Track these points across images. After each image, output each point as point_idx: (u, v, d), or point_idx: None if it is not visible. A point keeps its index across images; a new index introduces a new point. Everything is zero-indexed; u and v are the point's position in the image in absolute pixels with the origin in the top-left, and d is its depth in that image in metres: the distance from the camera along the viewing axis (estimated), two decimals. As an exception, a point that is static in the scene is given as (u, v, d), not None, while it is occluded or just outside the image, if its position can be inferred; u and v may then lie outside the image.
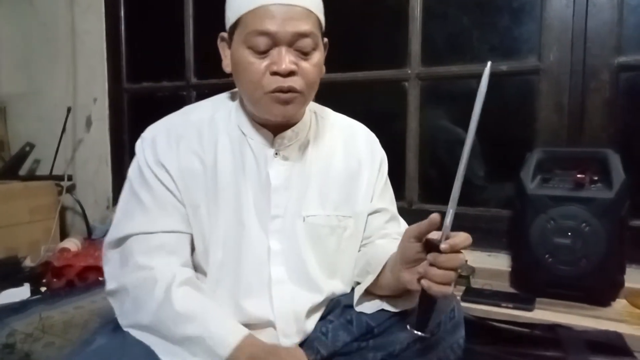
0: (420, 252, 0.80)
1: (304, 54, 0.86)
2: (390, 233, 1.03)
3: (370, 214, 1.03)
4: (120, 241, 0.90)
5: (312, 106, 1.04)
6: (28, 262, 2.03)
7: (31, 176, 2.51)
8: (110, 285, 0.89)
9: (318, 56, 0.89)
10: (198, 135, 0.94)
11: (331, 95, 1.95)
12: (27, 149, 2.50)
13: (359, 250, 1.03)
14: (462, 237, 0.78)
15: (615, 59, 1.47)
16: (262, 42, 0.83)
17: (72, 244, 2.17)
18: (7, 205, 2.11)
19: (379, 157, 1.05)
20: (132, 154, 0.96)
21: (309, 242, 0.96)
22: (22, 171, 2.54)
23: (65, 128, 2.37)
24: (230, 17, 0.88)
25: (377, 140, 1.08)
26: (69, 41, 2.45)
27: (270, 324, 0.92)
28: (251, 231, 0.93)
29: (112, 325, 0.90)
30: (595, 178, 1.34)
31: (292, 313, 0.93)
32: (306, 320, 0.95)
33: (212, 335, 0.81)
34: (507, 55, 1.64)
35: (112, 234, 0.92)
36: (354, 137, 1.04)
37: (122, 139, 2.43)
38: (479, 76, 1.78)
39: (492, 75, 1.69)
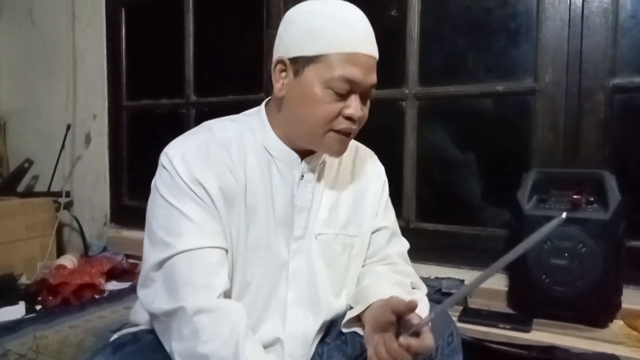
0: (393, 324, 0.81)
1: (365, 101, 0.91)
2: (391, 254, 1.05)
3: (373, 232, 1.05)
4: (166, 260, 0.85)
5: None
6: (24, 280, 2.02)
7: (29, 192, 2.51)
8: (164, 304, 0.84)
9: (369, 102, 0.94)
10: (227, 153, 0.92)
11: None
12: (26, 165, 2.51)
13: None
14: (424, 346, 0.76)
15: (610, 81, 1.48)
16: (344, 87, 0.86)
17: (69, 260, 2.16)
18: (4, 221, 2.11)
19: (383, 178, 1.09)
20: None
21: (323, 260, 0.97)
22: (21, 187, 2.55)
23: (64, 145, 2.38)
24: (308, 50, 0.87)
25: (381, 165, 1.12)
26: (69, 58, 2.48)
27: (278, 342, 0.93)
28: (276, 253, 0.93)
29: (110, 348, 0.89)
30: (592, 199, 1.35)
31: (301, 335, 0.94)
32: (312, 342, 0.96)
33: None
34: (503, 76, 1.65)
35: (157, 256, 0.86)
36: (362, 159, 1.08)
37: (121, 156, 2.44)
38: (475, 96, 1.81)
39: (489, 95, 1.71)
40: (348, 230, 1.00)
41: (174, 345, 0.82)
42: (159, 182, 0.89)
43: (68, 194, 2.43)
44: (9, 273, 1.96)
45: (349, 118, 0.88)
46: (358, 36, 0.87)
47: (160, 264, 0.85)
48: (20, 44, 2.67)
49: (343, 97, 0.87)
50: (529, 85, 1.59)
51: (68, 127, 2.39)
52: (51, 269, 2.08)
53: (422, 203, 1.79)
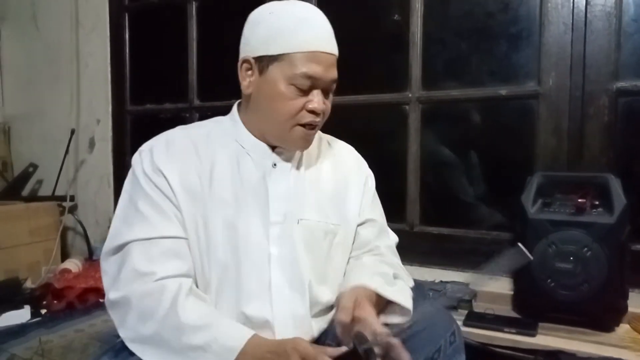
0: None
1: (327, 95, 0.97)
2: (380, 246, 1.10)
3: (360, 224, 1.09)
4: (119, 249, 0.91)
5: None
6: (28, 284, 2.03)
7: (33, 197, 2.52)
8: (111, 295, 0.89)
9: (331, 95, 1.00)
10: (195, 147, 0.99)
11: (332, 118, 1.98)
12: (31, 169, 2.52)
13: (348, 261, 1.09)
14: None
15: (614, 84, 1.48)
16: (306, 83, 0.92)
17: (73, 264, 2.17)
18: (9, 226, 2.12)
19: (364, 174, 1.14)
20: (129, 172, 0.97)
21: (304, 245, 0.99)
22: (25, 191, 2.56)
23: (68, 149, 2.39)
24: (272, 49, 0.93)
25: (362, 159, 1.18)
26: (73, 63, 2.49)
27: (268, 325, 0.94)
28: (252, 238, 0.96)
29: (112, 352, 0.90)
30: (596, 202, 1.35)
31: (290, 316, 0.95)
32: (302, 323, 0.97)
33: (217, 341, 0.82)
34: (507, 80, 1.65)
35: (110, 243, 0.93)
36: (342, 155, 1.14)
37: (125, 160, 2.44)
38: (478, 100, 1.81)
39: (492, 98, 1.71)
40: (330, 218, 1.04)
41: (123, 333, 0.87)
42: (126, 180, 0.98)
43: (72, 198, 2.44)
44: (14, 277, 1.96)
45: (312, 111, 0.94)
46: (318, 36, 0.93)
47: (111, 252, 0.92)
48: (24, 50, 2.68)
49: (305, 92, 0.94)
50: (532, 89, 1.59)
51: (72, 132, 2.40)
52: (56, 273, 2.08)
53: (425, 207, 1.79)
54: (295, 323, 0.95)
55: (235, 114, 1.05)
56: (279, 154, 1.01)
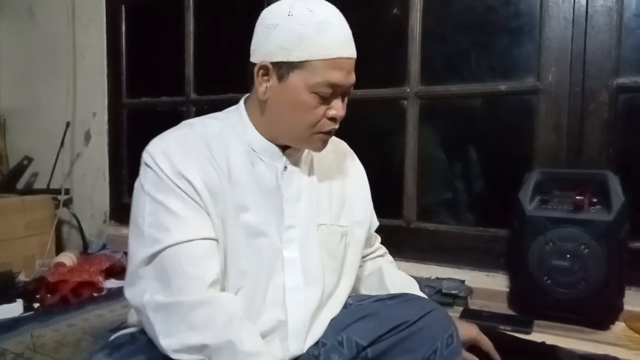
0: None
1: (344, 98, 0.94)
2: (376, 242, 1.17)
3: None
4: (156, 255, 0.85)
5: None
6: (22, 277, 2.01)
7: (28, 190, 2.51)
8: (157, 297, 0.84)
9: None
10: (208, 148, 0.93)
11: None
12: (25, 162, 2.50)
13: (365, 263, 1.14)
14: None
15: (614, 80, 1.47)
16: (328, 91, 0.89)
17: (68, 258, 2.15)
18: (3, 219, 2.11)
19: (361, 169, 1.14)
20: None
21: (322, 250, 0.99)
22: (20, 185, 2.54)
23: (64, 142, 2.37)
24: (292, 56, 0.88)
25: (354, 153, 1.17)
26: (70, 56, 2.47)
27: (283, 327, 0.93)
28: (270, 240, 0.94)
29: (107, 349, 0.88)
30: (595, 200, 1.33)
31: (305, 317, 0.94)
32: (316, 324, 0.96)
33: None
34: (506, 75, 1.64)
35: (146, 251, 0.86)
36: (343, 152, 1.13)
37: (121, 154, 2.42)
38: (477, 96, 1.80)
39: (491, 94, 1.70)
40: (340, 220, 1.04)
41: (166, 342, 0.82)
42: (144, 179, 0.90)
43: (67, 192, 2.42)
44: (7, 271, 1.95)
45: (332, 119, 0.91)
46: (340, 41, 0.89)
47: (150, 259, 0.86)
48: (20, 42, 2.66)
49: (326, 100, 0.90)
50: (532, 84, 1.58)
51: (67, 125, 2.38)
52: (50, 267, 2.07)
53: (423, 203, 1.78)
54: (309, 325, 0.95)
55: (244, 113, 0.99)
56: (289, 156, 0.98)
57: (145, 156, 0.91)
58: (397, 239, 1.23)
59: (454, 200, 1.76)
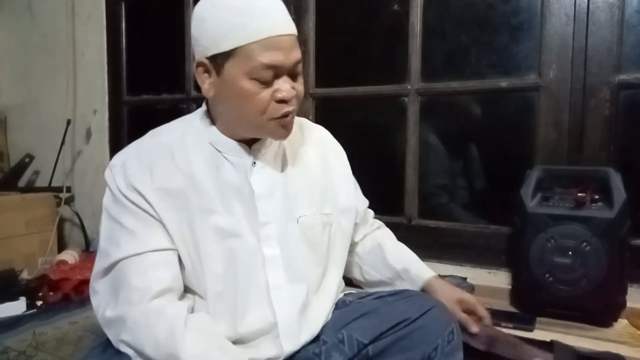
0: None
1: (294, 77, 0.90)
2: (368, 217, 1.20)
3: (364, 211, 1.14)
4: (109, 269, 0.88)
5: None
6: (24, 275, 2.02)
7: (30, 188, 2.51)
8: (107, 313, 0.86)
9: (301, 75, 0.93)
10: (170, 155, 0.93)
11: (330, 110, 1.97)
12: (27, 160, 2.50)
13: (364, 240, 1.17)
14: None
15: (616, 77, 1.46)
16: (268, 73, 0.85)
17: (70, 256, 2.16)
18: (5, 217, 2.11)
19: (342, 153, 1.13)
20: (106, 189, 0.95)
21: (304, 242, 0.98)
22: (21, 182, 2.54)
23: (64, 140, 2.37)
24: (222, 46, 0.85)
25: (334, 138, 1.15)
26: (70, 53, 2.46)
27: (274, 327, 0.92)
28: (244, 240, 0.93)
29: (102, 346, 0.89)
30: (596, 197, 1.33)
31: (294, 313, 0.93)
32: (307, 318, 0.96)
33: None
34: (507, 72, 1.63)
35: (100, 265, 0.89)
36: (320, 139, 1.11)
37: (121, 151, 2.42)
38: (478, 92, 1.79)
39: (492, 91, 1.69)
40: (324, 209, 1.02)
41: (123, 349, 0.83)
42: (105, 198, 0.93)
43: (69, 189, 2.42)
44: (9, 269, 1.95)
45: (281, 101, 0.87)
46: (270, 19, 0.85)
47: (103, 273, 0.89)
48: (20, 39, 2.65)
49: (269, 83, 0.86)
50: (533, 81, 1.57)
51: (68, 122, 2.38)
52: (52, 265, 2.07)
53: (424, 200, 1.78)
54: (300, 320, 0.94)
55: (205, 114, 0.98)
56: (257, 150, 0.96)
57: (106, 172, 0.94)
58: (398, 236, 1.22)
59: (455, 197, 1.76)
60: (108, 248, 0.89)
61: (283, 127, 0.91)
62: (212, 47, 0.86)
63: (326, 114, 1.93)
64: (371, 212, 1.22)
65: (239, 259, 0.92)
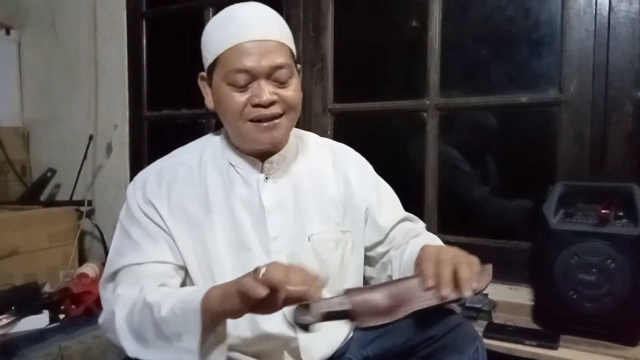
0: None
1: (282, 83, 0.93)
2: (420, 232, 1.09)
3: (396, 224, 1.08)
4: (113, 276, 0.93)
5: (296, 132, 1.09)
6: (47, 288, 2.04)
7: (52, 201, 2.55)
8: (101, 318, 0.92)
9: (295, 82, 0.96)
10: (189, 173, 0.99)
11: (349, 125, 1.98)
12: (49, 174, 2.54)
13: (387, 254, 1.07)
14: None
15: (638, 91, 1.45)
16: (241, 78, 0.90)
17: (91, 269, 2.18)
18: (28, 231, 2.14)
19: (367, 171, 1.13)
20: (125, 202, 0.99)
21: (314, 260, 0.98)
22: (43, 196, 2.58)
23: (86, 154, 2.41)
24: (208, 57, 0.94)
25: (364, 160, 1.15)
26: (91, 69, 2.51)
27: (293, 340, 0.94)
28: (254, 254, 0.95)
29: None
30: (620, 213, 1.32)
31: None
32: (327, 332, 0.95)
33: (182, 300, 0.79)
34: (527, 87, 1.63)
35: (106, 272, 0.95)
36: (341, 157, 1.11)
37: (142, 166, 2.44)
38: (498, 107, 1.78)
39: (512, 106, 1.68)
40: (341, 225, 1.03)
41: (124, 346, 0.85)
42: (122, 211, 1.00)
43: (90, 203, 2.46)
44: (32, 282, 1.98)
45: (257, 105, 0.90)
46: (242, 26, 0.90)
47: (106, 280, 0.95)
48: (43, 56, 2.71)
49: (245, 87, 0.90)
50: (554, 96, 1.57)
51: (90, 138, 2.42)
52: (73, 278, 2.10)
53: (444, 215, 1.77)
54: (318, 334, 0.94)
55: (224, 129, 1.04)
56: (269, 164, 0.99)
57: (129, 186, 1.00)
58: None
59: (476, 213, 1.75)
60: (113, 258, 0.95)
61: (263, 131, 0.93)
62: (206, 60, 0.95)
63: (345, 130, 1.94)
64: (410, 221, 1.13)
65: (249, 269, 0.93)
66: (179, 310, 0.77)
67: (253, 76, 0.90)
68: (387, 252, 1.08)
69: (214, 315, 0.74)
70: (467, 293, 0.78)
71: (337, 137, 1.77)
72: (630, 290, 1.26)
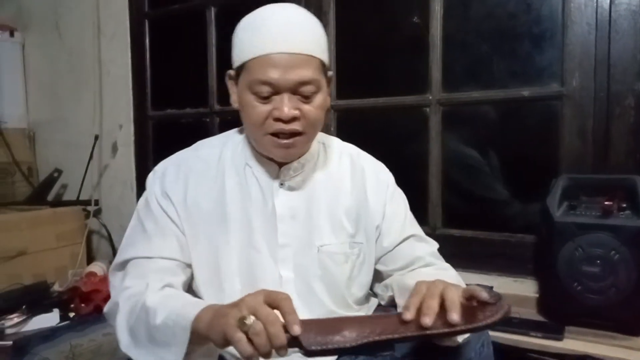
0: None
1: (306, 98, 0.91)
2: (423, 256, 1.06)
3: (399, 243, 1.05)
4: (122, 265, 0.95)
5: (320, 137, 1.07)
6: (56, 287, 2.07)
7: (59, 201, 2.57)
8: (106, 307, 0.95)
9: (320, 98, 0.93)
10: (207, 169, 0.99)
11: (352, 121, 2.00)
12: (55, 174, 2.57)
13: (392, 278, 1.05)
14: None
15: (640, 84, 1.46)
16: (264, 89, 0.88)
17: (99, 268, 2.21)
18: (36, 231, 2.17)
19: (384, 184, 1.08)
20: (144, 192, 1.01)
21: (321, 272, 0.98)
22: (50, 196, 2.61)
23: (92, 154, 2.43)
24: (236, 60, 0.93)
25: (384, 169, 1.12)
26: (95, 70, 2.53)
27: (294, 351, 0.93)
28: (262, 259, 0.96)
29: None
30: (624, 205, 1.33)
31: None
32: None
33: (177, 314, 0.78)
34: (529, 81, 1.64)
35: (116, 260, 0.97)
36: (362, 166, 1.08)
37: (147, 165, 2.47)
38: (500, 102, 1.79)
39: (514, 100, 1.69)
40: (355, 238, 1.01)
41: (120, 340, 0.88)
42: (140, 199, 1.01)
43: (97, 203, 2.48)
44: (42, 281, 2.01)
45: (277, 119, 0.89)
46: (272, 37, 0.88)
47: (116, 268, 0.97)
48: (47, 57, 2.74)
49: (268, 99, 0.89)
50: (556, 90, 1.58)
51: (96, 138, 2.44)
52: (82, 277, 2.12)
53: (448, 209, 1.79)
54: None
55: (245, 130, 1.03)
56: (286, 171, 0.99)
57: (150, 175, 1.02)
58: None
59: (480, 206, 1.76)
60: (125, 246, 0.97)
61: (280, 146, 0.92)
62: (235, 61, 0.94)
63: (348, 126, 1.95)
64: (424, 247, 1.08)
65: (257, 273, 0.95)
66: (171, 322, 0.78)
67: (277, 89, 0.88)
68: (391, 273, 1.07)
69: (201, 338, 0.75)
70: (455, 316, 0.70)
71: (340, 133, 1.79)
72: (634, 281, 1.27)
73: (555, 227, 1.36)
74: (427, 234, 1.14)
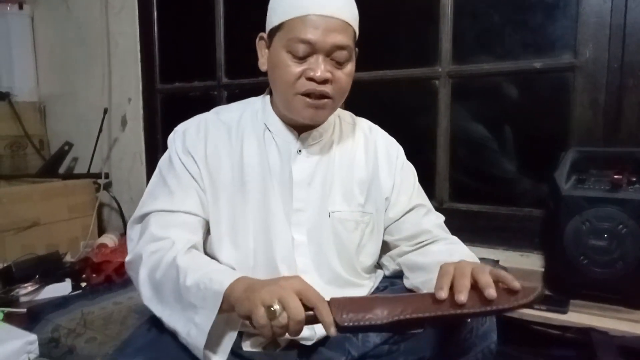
0: None
1: (339, 64, 0.92)
2: (430, 229, 1.04)
3: (406, 212, 1.06)
4: (142, 218, 0.96)
5: (337, 110, 1.08)
6: (68, 258, 2.11)
7: (70, 174, 2.60)
8: (128, 257, 0.94)
9: (351, 66, 0.95)
10: (226, 132, 1.01)
11: (361, 93, 1.96)
12: (66, 147, 2.59)
13: (406, 252, 1.04)
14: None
15: (655, 56, 1.42)
16: (301, 48, 0.90)
17: (109, 239, 2.25)
18: (49, 202, 2.20)
19: (395, 157, 1.09)
20: (165, 151, 1.02)
21: (333, 237, 1.00)
22: (61, 169, 2.64)
23: (102, 128, 2.44)
24: (274, 20, 0.93)
25: (394, 143, 1.12)
26: (104, 43, 2.52)
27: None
28: (277, 221, 0.97)
29: (147, 325, 0.93)
30: (633, 179, 1.31)
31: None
32: None
33: (210, 278, 0.79)
34: (541, 52, 1.60)
35: (136, 213, 0.98)
36: (374, 140, 1.10)
37: (156, 138, 2.49)
38: (511, 74, 1.76)
39: (525, 72, 1.66)
40: (365, 207, 1.03)
41: (141, 292, 0.88)
42: (162, 158, 1.02)
43: (107, 176, 2.51)
44: (54, 252, 2.04)
45: (310, 79, 0.90)
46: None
47: (136, 221, 0.97)
48: (56, 31, 2.73)
49: (303, 59, 0.90)
50: (568, 61, 1.54)
51: (105, 111, 2.45)
52: (93, 248, 2.16)
53: (455, 183, 1.78)
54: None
55: (267, 96, 1.04)
56: (305, 138, 1.00)
57: (170, 136, 1.03)
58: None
59: (488, 180, 1.75)
60: (146, 200, 0.98)
61: (309, 106, 0.93)
62: (270, 23, 0.95)
63: (356, 98, 1.92)
64: (442, 232, 1.06)
65: (271, 235, 0.96)
66: (203, 285, 0.79)
67: (314, 49, 0.89)
68: (397, 243, 1.07)
69: (229, 307, 0.76)
70: (493, 293, 0.70)
71: (349, 106, 1.76)
72: (641, 255, 1.26)
73: (562, 201, 1.35)
74: (435, 207, 1.14)
